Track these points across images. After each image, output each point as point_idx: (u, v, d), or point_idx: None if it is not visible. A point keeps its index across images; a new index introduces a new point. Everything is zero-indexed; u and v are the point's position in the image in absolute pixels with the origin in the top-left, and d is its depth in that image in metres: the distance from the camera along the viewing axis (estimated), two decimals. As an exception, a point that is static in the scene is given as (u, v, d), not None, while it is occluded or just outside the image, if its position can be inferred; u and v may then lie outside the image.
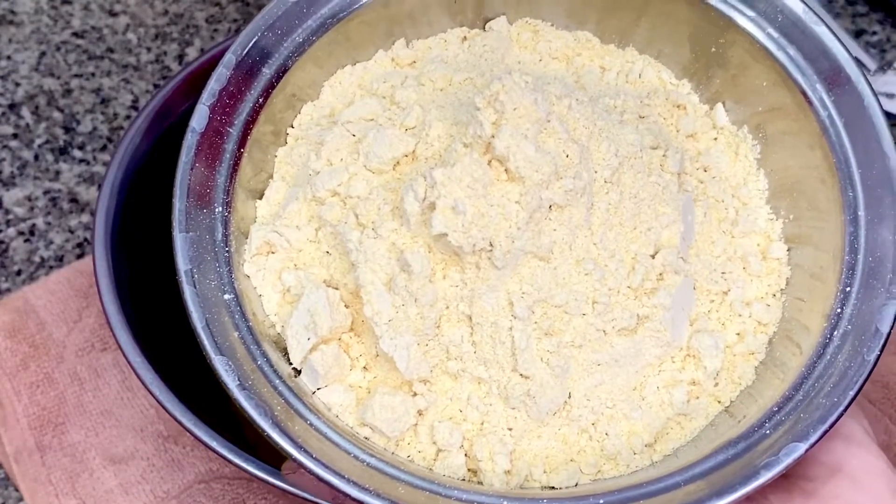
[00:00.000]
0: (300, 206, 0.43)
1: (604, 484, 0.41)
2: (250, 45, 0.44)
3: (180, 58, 0.77)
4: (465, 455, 0.41)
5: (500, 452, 0.41)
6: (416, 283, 0.40)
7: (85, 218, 0.69)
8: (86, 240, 0.68)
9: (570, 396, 0.42)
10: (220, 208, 0.42)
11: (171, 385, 0.46)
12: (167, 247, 0.42)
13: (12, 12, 0.78)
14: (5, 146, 0.71)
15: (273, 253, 0.43)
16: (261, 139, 0.45)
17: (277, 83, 0.45)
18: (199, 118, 0.43)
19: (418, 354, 0.41)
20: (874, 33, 0.78)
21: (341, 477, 0.37)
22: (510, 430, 0.41)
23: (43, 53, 0.76)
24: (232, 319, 0.40)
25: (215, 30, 0.78)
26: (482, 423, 0.41)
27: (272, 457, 0.45)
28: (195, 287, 0.40)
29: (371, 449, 0.40)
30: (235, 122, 0.44)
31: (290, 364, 0.42)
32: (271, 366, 0.40)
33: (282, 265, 0.43)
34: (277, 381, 0.40)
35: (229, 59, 0.44)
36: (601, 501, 0.39)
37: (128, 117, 0.73)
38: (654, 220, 0.43)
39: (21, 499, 0.58)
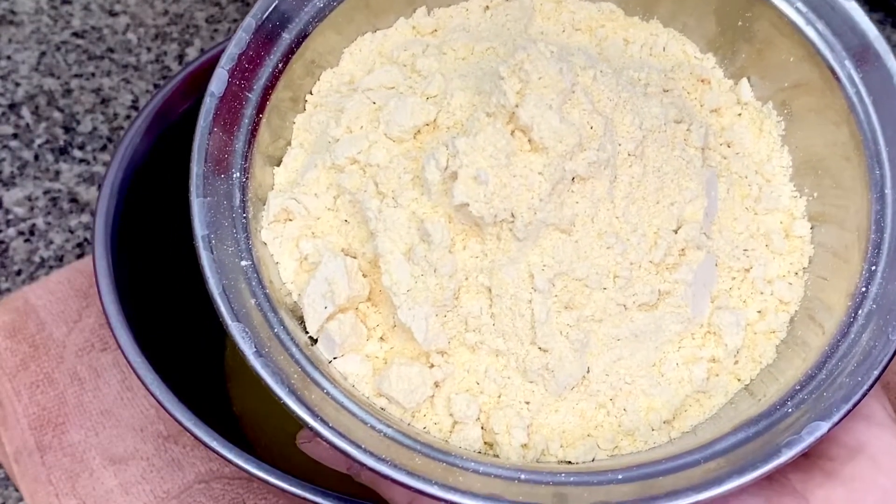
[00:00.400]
0: (319, 173, 0.43)
1: (621, 460, 0.40)
2: (270, 8, 0.43)
3: (180, 58, 0.76)
4: (482, 428, 0.41)
5: (517, 426, 0.40)
6: (435, 254, 0.40)
7: (85, 218, 0.68)
8: (86, 240, 0.68)
9: (588, 371, 0.41)
10: (238, 174, 0.42)
11: (171, 385, 0.47)
12: (167, 245, 0.41)
13: (12, 12, 0.77)
14: (5, 146, 0.71)
15: (291, 220, 0.43)
16: (279, 105, 0.44)
17: (297, 49, 0.44)
18: (218, 82, 0.42)
19: (436, 325, 0.40)
20: (874, 34, 0.77)
21: (358, 446, 0.37)
22: (527, 403, 0.41)
23: (43, 53, 0.75)
24: (249, 286, 0.40)
25: (215, 30, 0.78)
26: (499, 396, 0.41)
27: (272, 456, 0.45)
28: (212, 253, 0.40)
29: (387, 419, 0.39)
30: (254, 87, 0.43)
31: (307, 333, 0.41)
32: (288, 334, 0.40)
33: (299, 233, 0.43)
34: (294, 350, 0.39)
35: (249, 23, 0.43)
36: (619, 476, 0.38)
37: (128, 117, 0.73)
38: (677, 194, 0.42)
39: (21, 499, 0.58)
